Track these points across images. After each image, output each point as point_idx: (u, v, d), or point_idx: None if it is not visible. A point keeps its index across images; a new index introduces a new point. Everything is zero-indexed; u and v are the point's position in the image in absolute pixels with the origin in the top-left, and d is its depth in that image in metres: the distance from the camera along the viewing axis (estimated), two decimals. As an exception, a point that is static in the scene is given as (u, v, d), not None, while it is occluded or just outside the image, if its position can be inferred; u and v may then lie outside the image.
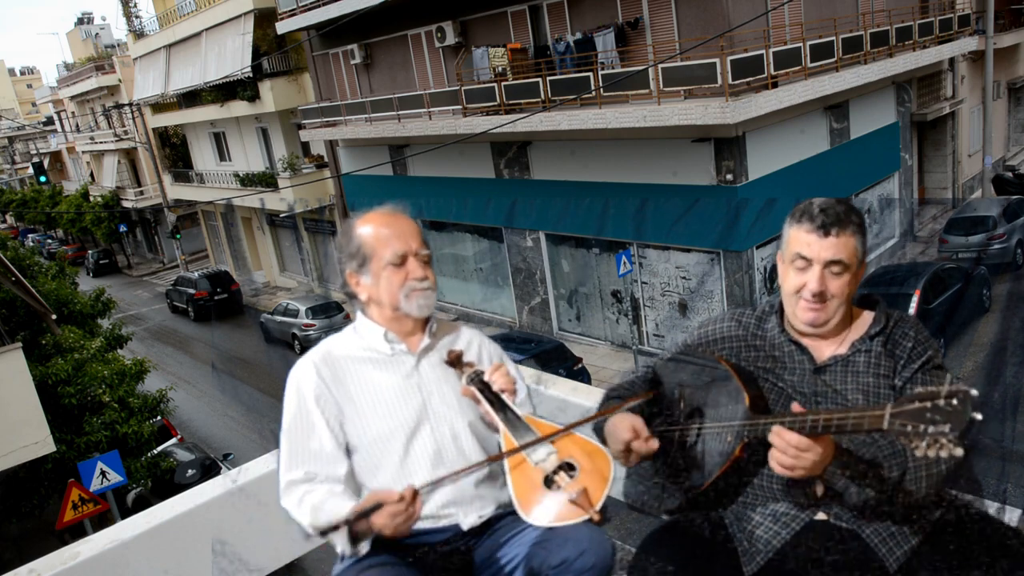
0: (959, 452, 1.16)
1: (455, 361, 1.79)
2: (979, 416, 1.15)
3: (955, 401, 1.17)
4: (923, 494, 1.44)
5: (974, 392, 1.16)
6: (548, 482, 1.57)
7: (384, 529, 1.48)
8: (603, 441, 1.72)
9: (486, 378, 1.74)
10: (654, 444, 1.64)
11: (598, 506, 1.51)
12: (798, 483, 1.57)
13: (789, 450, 1.38)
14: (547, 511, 1.53)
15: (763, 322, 1.73)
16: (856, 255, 1.55)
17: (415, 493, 1.49)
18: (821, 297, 1.56)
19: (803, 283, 1.56)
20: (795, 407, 1.42)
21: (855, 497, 1.49)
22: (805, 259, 1.55)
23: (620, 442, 1.64)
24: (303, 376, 1.74)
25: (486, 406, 1.70)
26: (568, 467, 1.58)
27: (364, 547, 1.57)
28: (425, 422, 1.73)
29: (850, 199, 13.54)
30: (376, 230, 1.73)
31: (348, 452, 1.73)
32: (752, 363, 1.68)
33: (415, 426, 1.72)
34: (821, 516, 1.58)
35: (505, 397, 1.71)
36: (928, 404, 1.19)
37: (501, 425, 1.68)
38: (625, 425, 1.65)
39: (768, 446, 1.58)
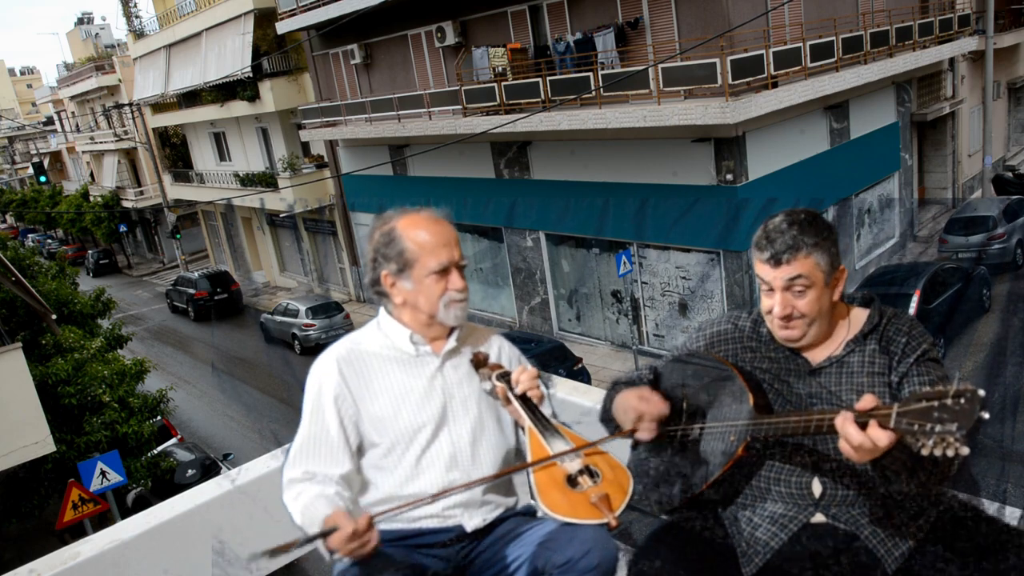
0: (965, 451, 1.16)
1: (481, 363, 1.79)
2: (986, 415, 1.15)
3: (963, 400, 1.17)
4: (934, 481, 1.43)
5: (981, 392, 1.16)
6: (571, 481, 1.57)
7: (339, 551, 1.47)
8: (610, 424, 1.75)
9: (513, 379, 1.74)
10: (664, 408, 1.66)
11: (617, 512, 1.51)
12: (799, 483, 1.58)
13: (870, 444, 1.30)
14: (567, 507, 1.53)
15: (759, 325, 1.73)
16: (819, 270, 1.56)
17: (369, 522, 1.47)
18: (789, 318, 1.59)
19: (771, 306, 1.61)
20: (867, 399, 1.32)
21: (895, 485, 1.45)
22: (767, 284, 1.60)
23: (631, 410, 1.66)
24: (324, 373, 1.73)
25: (516, 405, 1.71)
26: (591, 472, 1.59)
27: (339, 555, 1.56)
28: (444, 425, 1.74)
29: (850, 199, 13.52)
30: (422, 236, 1.71)
31: (362, 450, 1.73)
32: (749, 364, 1.69)
33: (435, 428, 1.72)
34: (819, 518, 1.58)
35: (535, 399, 1.73)
36: (935, 403, 1.19)
37: (528, 424, 1.68)
38: (633, 395, 1.68)
39: (771, 444, 1.59)
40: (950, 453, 1.17)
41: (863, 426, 1.31)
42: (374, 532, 1.48)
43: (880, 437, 1.29)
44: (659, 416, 1.66)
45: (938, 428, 1.17)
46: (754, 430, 1.52)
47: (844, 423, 1.33)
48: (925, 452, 1.19)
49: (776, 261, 1.57)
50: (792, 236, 1.56)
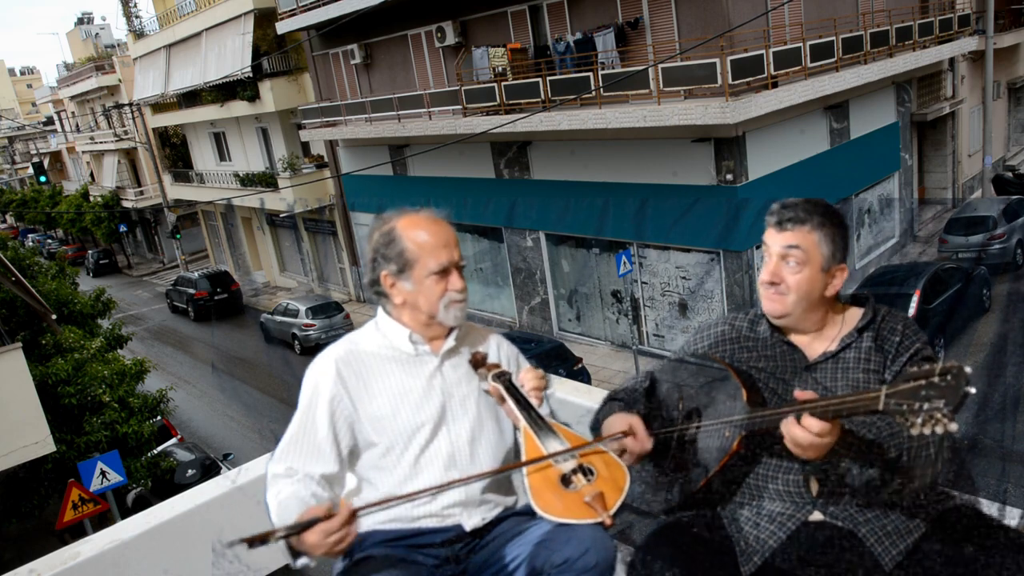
0: (954, 427, 1.18)
1: (479, 363, 1.79)
2: (972, 390, 1.16)
3: (949, 377, 1.19)
4: (920, 477, 1.45)
5: (968, 368, 1.18)
6: (565, 481, 1.57)
7: (315, 549, 1.42)
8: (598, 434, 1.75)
9: (516, 381, 1.74)
10: (647, 444, 1.66)
11: (612, 511, 1.51)
12: (796, 481, 1.59)
13: (808, 438, 1.38)
14: (561, 508, 1.53)
15: (756, 324, 1.75)
16: (817, 250, 1.60)
17: (353, 513, 1.44)
18: (777, 288, 1.62)
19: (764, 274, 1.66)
20: (797, 394, 1.43)
21: (856, 478, 1.50)
22: (768, 250, 1.64)
23: (616, 442, 1.67)
24: (322, 373, 1.72)
25: (511, 404, 1.71)
26: (585, 470, 1.59)
27: (304, 561, 1.50)
28: (443, 424, 1.73)
29: (850, 199, 13.55)
30: (422, 237, 1.71)
31: (357, 452, 1.73)
32: (746, 364, 1.71)
33: (433, 428, 1.72)
34: (817, 516, 1.58)
35: (531, 399, 1.73)
36: (923, 382, 1.21)
37: (524, 424, 1.68)
38: (620, 423, 1.68)
39: (767, 441, 1.59)
40: (939, 430, 1.18)
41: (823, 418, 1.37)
42: (354, 526, 1.44)
43: (813, 425, 1.35)
44: (641, 453, 1.67)
45: (926, 406, 1.19)
46: (748, 424, 1.53)
47: (786, 424, 1.40)
48: (915, 431, 1.21)
49: (780, 225, 1.62)
50: (804, 209, 1.62)
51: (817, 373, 1.63)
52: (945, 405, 1.18)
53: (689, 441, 1.69)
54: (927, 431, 1.19)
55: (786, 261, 1.61)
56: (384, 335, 1.79)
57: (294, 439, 1.69)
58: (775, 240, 1.63)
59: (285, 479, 1.64)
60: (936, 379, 1.20)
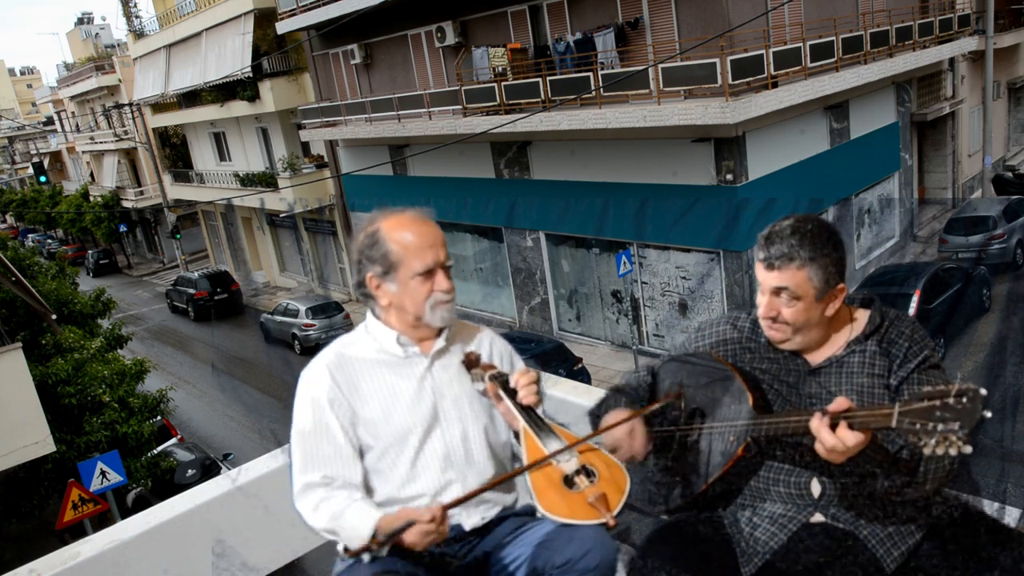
0: (968, 450, 1.17)
1: (473, 363, 1.78)
2: (988, 414, 1.15)
3: (965, 399, 1.17)
4: (931, 487, 1.44)
5: (983, 391, 1.16)
6: (568, 482, 1.57)
7: (414, 546, 1.49)
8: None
9: (512, 383, 1.73)
10: (638, 449, 1.68)
11: (615, 512, 1.51)
12: (798, 483, 1.58)
13: (840, 446, 1.35)
14: (565, 508, 1.53)
15: (758, 325, 1.73)
16: (809, 285, 1.56)
17: (444, 511, 1.48)
18: (773, 320, 1.61)
19: (761, 304, 1.64)
20: (840, 402, 1.38)
21: (879, 485, 1.49)
22: (761, 285, 1.63)
23: (610, 439, 1.68)
24: (316, 379, 1.72)
25: (508, 404, 1.70)
26: (588, 471, 1.59)
27: (368, 556, 1.58)
28: (436, 424, 1.73)
29: (850, 199, 13.47)
30: (406, 238, 1.69)
31: (360, 455, 1.72)
32: (748, 365, 1.70)
33: (427, 428, 1.71)
34: (819, 517, 1.58)
35: (529, 398, 1.72)
36: (937, 402, 1.19)
37: (523, 424, 1.67)
38: (621, 419, 1.68)
39: (773, 445, 1.59)
40: (952, 452, 1.17)
41: (836, 428, 1.34)
42: (447, 523, 1.50)
43: (848, 438, 1.32)
44: (633, 456, 1.67)
45: (940, 427, 1.17)
46: (753, 430, 1.52)
47: (818, 426, 1.36)
48: (927, 451, 1.19)
49: (768, 265, 1.59)
50: (790, 245, 1.56)
51: (821, 377, 1.62)
52: (960, 428, 1.16)
53: (692, 443, 1.69)
54: (940, 452, 1.18)
55: (779, 296, 1.59)
56: (373, 338, 1.77)
57: (315, 448, 1.67)
58: (765, 277, 1.61)
59: (324, 488, 1.63)
60: (951, 400, 1.18)
